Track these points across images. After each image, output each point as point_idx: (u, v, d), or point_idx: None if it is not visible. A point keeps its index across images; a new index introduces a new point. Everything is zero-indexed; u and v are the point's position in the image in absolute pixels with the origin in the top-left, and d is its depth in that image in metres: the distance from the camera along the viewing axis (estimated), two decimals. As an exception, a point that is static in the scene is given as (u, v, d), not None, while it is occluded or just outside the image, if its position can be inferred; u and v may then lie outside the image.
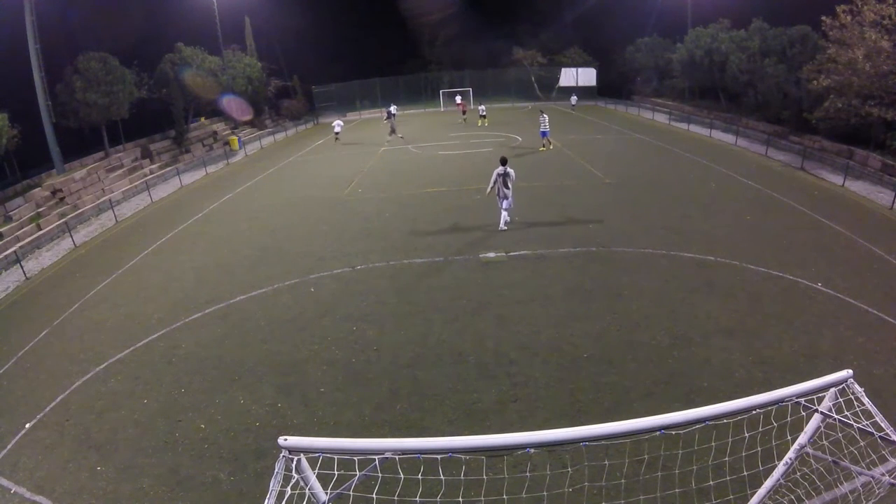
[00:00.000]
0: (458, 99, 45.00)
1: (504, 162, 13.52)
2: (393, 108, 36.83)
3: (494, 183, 13.54)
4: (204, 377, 8.62)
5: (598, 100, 46.36)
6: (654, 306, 9.81)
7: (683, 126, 31.38)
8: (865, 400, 3.20)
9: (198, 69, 32.76)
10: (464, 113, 37.83)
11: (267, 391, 8.10)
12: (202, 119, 35.88)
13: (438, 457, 2.75)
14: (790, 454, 3.58)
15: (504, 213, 13.91)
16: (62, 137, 23.11)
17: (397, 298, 10.82)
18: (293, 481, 2.74)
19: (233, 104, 36.68)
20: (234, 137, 33.59)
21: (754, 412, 2.96)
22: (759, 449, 3.79)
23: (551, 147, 25.12)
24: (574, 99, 41.75)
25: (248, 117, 38.53)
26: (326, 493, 2.95)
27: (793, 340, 8.50)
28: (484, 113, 35.95)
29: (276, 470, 2.71)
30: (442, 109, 45.68)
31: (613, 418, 2.85)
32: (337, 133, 33.04)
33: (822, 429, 3.41)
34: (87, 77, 24.06)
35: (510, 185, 13.50)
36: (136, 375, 8.86)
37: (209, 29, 35.46)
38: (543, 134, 24.99)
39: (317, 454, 2.71)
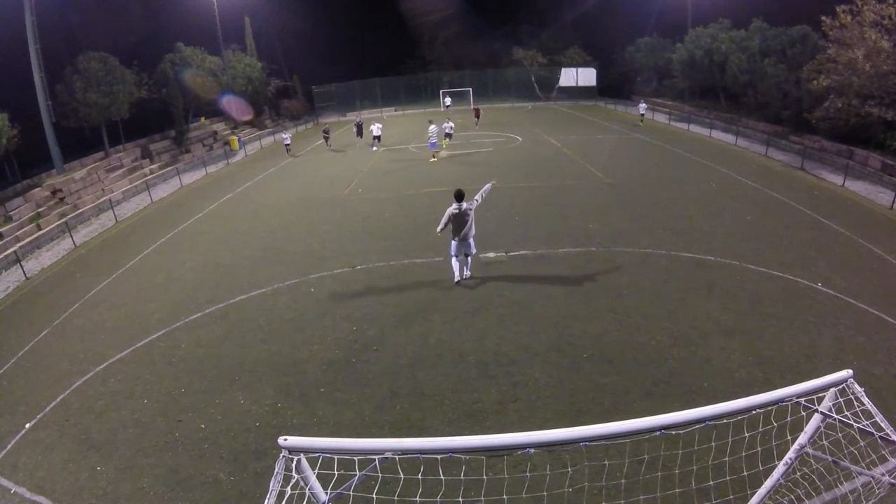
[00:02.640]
0: (448, 101, 44.91)
1: (460, 197, 10.21)
2: (376, 129, 29.16)
3: (447, 225, 10.41)
4: (204, 377, 8.62)
5: (598, 100, 46.39)
6: (654, 306, 9.81)
7: (683, 126, 31.40)
8: (865, 400, 3.20)
9: (198, 69, 32.77)
10: (477, 117, 34.07)
11: (267, 391, 8.09)
12: (202, 119, 35.89)
13: (438, 457, 2.75)
14: (790, 454, 3.59)
15: (466, 261, 11.05)
16: (62, 137, 23.10)
17: (397, 298, 10.82)
18: (293, 481, 2.74)
19: (233, 104, 36.69)
20: (234, 137, 33.62)
21: (754, 412, 2.96)
22: (759, 449, 3.80)
23: (434, 159, 24.29)
24: (643, 107, 33.91)
25: (248, 117, 38.52)
26: (326, 493, 2.95)
27: (793, 340, 8.50)
28: (450, 130, 27.14)
29: (276, 470, 2.71)
30: (442, 109, 45.69)
31: (613, 418, 2.85)
32: (287, 145, 29.76)
33: (822, 429, 3.41)
34: (87, 77, 24.05)
35: (472, 226, 10.40)
36: (136, 375, 8.86)
37: (209, 29, 35.48)
38: (432, 145, 24.45)
39: (317, 454, 2.71)
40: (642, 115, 33.67)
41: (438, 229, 10.58)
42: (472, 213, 10.31)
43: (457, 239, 10.51)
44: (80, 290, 12.84)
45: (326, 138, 30.61)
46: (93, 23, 28.21)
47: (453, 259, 10.94)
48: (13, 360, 9.87)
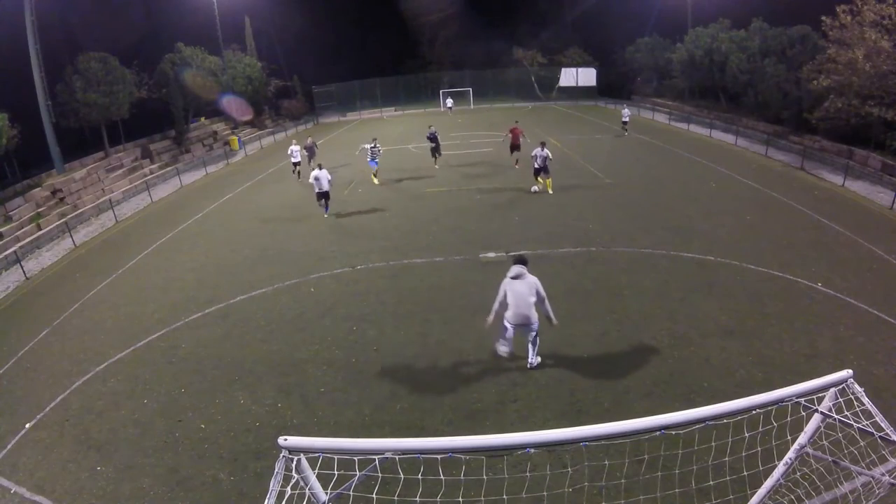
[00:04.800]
0: (450, 102, 44.77)
1: (522, 261, 7.61)
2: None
3: (502, 304, 7.57)
4: (204, 377, 8.62)
5: (598, 100, 46.39)
6: (654, 306, 9.81)
7: (683, 126, 31.39)
8: (865, 400, 3.20)
9: (198, 69, 32.78)
10: (516, 147, 20.86)
11: (267, 391, 8.10)
12: (202, 119, 35.89)
13: (438, 457, 2.75)
14: (790, 454, 3.59)
15: (530, 351, 8.09)
16: (62, 137, 23.13)
17: (397, 298, 10.82)
18: (293, 481, 2.74)
19: (233, 104, 36.68)
20: (234, 137, 33.62)
21: (754, 412, 2.96)
22: (759, 449, 3.80)
23: (376, 181, 20.37)
24: (626, 113, 28.88)
25: (248, 117, 38.49)
26: (326, 493, 2.95)
27: (793, 340, 8.50)
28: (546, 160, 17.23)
29: (276, 470, 2.71)
30: (442, 109, 45.69)
31: (613, 418, 2.85)
32: (296, 164, 22.22)
33: (822, 429, 3.41)
34: (87, 77, 24.07)
35: (532, 309, 7.46)
36: (136, 375, 8.86)
37: (209, 29, 35.49)
38: (373, 164, 20.23)
39: (317, 454, 2.71)
40: (625, 122, 28.51)
41: (491, 316, 7.68)
42: (536, 287, 7.41)
43: (511, 322, 7.57)
44: (80, 290, 12.84)
45: (311, 157, 22.37)
46: (93, 23, 28.19)
47: (527, 347, 8.06)
48: (13, 360, 9.86)
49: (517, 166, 21.02)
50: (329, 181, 16.50)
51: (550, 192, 17.62)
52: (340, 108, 47.96)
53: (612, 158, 22.90)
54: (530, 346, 8.03)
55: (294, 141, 23.17)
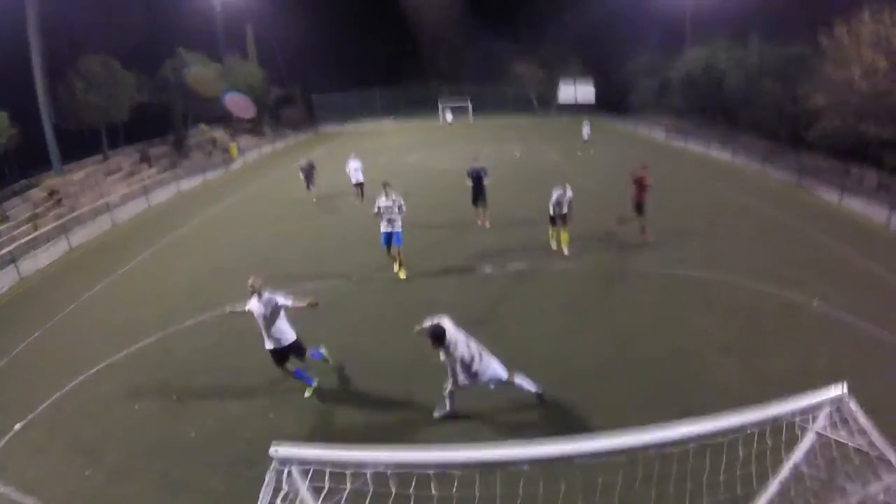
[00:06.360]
0: (450, 117, 44.89)
1: (436, 337, 6.81)
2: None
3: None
4: (197, 382, 8.56)
5: (595, 115, 46.63)
6: (650, 322, 9.80)
7: (681, 142, 31.57)
8: (861, 417, 3.19)
9: (198, 75, 32.89)
10: (641, 205, 13.57)
11: (261, 398, 8.04)
12: (202, 126, 35.95)
13: (431, 472, 2.73)
14: (784, 472, 3.57)
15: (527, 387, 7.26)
16: (61, 139, 23.16)
17: (394, 309, 10.78)
18: (283, 491, 2.71)
19: (234, 102, 36.44)
20: (234, 145, 33.69)
21: (748, 431, 2.95)
22: (753, 467, 3.78)
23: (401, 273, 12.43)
24: (587, 131, 29.03)
25: (250, 115, 38.04)
26: (317, 503, 2.92)
27: (789, 357, 8.49)
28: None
29: (267, 481, 2.68)
30: (440, 122, 45.80)
31: (608, 434, 2.83)
32: (360, 184, 18.83)
33: (817, 446, 3.40)
34: (88, 79, 24.16)
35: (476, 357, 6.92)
36: (129, 379, 8.79)
37: (211, 35, 35.71)
38: (393, 240, 11.93)
39: (308, 465, 2.69)
40: (585, 140, 28.14)
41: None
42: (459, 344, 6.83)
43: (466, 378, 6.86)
44: (75, 293, 12.78)
45: (308, 178, 19.75)
46: (95, 26, 28.36)
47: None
48: (5, 360, 9.81)
49: (649, 237, 13.72)
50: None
51: (566, 251, 13.05)
52: (340, 117, 48.09)
53: (610, 174, 22.93)
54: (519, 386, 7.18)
55: (353, 154, 18.93)
